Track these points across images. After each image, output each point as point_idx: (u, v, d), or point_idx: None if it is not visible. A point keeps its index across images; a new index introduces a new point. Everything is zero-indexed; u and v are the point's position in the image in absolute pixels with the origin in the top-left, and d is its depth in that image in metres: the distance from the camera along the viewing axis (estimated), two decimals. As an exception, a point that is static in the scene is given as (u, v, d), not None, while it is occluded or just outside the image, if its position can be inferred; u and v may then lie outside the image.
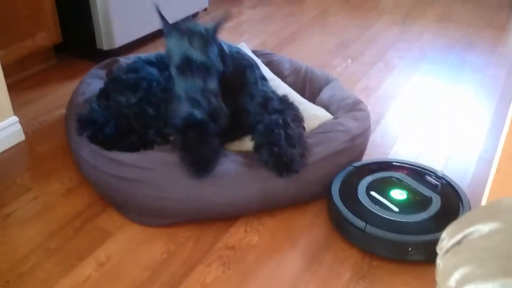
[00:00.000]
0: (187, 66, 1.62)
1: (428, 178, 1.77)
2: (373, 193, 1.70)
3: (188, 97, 1.60)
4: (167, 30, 1.69)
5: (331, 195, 1.71)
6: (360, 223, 1.58)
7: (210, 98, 1.62)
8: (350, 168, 1.83)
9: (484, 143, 2.16)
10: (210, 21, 1.69)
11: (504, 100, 2.46)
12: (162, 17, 1.71)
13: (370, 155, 2.02)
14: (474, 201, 1.76)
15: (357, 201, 1.67)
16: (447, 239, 0.81)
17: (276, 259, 1.59)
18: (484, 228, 0.76)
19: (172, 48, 1.66)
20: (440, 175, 1.78)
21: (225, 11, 1.79)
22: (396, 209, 1.63)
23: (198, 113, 1.58)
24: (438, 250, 0.83)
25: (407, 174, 1.78)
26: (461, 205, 1.66)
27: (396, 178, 1.76)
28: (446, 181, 1.76)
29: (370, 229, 1.56)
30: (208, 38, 1.65)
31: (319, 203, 1.79)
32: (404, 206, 1.65)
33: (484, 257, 0.70)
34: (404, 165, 1.86)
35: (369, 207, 1.64)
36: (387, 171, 1.81)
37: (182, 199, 1.65)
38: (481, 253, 0.71)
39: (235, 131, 1.85)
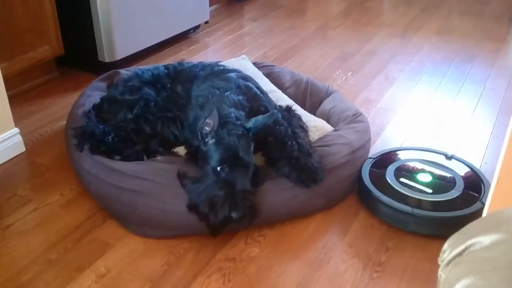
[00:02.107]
0: (232, 162, 1.60)
1: (443, 160, 1.96)
2: (402, 180, 1.83)
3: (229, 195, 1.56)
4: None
5: (369, 190, 1.80)
6: (406, 208, 1.70)
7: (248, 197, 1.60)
8: (369, 160, 1.95)
9: (485, 154, 2.16)
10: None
11: (504, 112, 2.47)
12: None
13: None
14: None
15: (393, 189, 1.79)
16: (448, 250, 0.81)
17: (276, 271, 1.58)
18: (485, 239, 0.76)
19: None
20: (450, 156, 1.96)
21: None
22: (429, 190, 1.77)
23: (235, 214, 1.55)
24: (439, 262, 0.83)
25: (424, 159, 1.95)
26: (481, 182, 1.83)
27: (416, 163, 1.93)
28: (459, 161, 1.95)
29: (417, 212, 1.69)
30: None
31: (320, 215, 1.79)
32: (434, 187, 1.79)
33: (486, 268, 0.70)
34: (417, 150, 2.04)
35: (406, 193, 1.77)
36: (405, 159, 1.96)
37: (183, 212, 1.64)
38: (483, 264, 0.71)
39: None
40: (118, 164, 1.74)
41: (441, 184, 1.82)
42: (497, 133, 2.30)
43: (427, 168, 1.90)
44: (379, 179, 1.84)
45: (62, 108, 2.43)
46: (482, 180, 1.84)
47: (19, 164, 2.07)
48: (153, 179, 1.68)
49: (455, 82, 2.82)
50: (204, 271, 1.56)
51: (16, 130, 2.12)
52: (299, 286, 1.52)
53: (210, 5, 3.46)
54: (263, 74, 2.39)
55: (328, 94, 2.26)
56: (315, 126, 2.04)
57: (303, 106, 2.23)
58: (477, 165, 2.08)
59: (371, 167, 1.91)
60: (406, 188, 1.79)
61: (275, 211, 1.71)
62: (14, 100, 2.32)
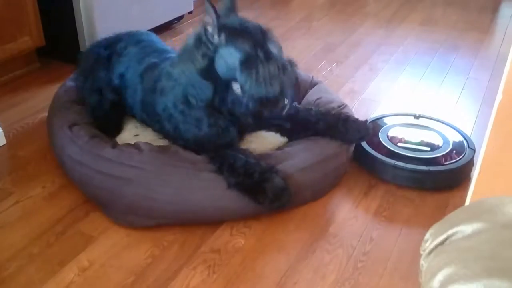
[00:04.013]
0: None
1: (413, 120, 2.17)
2: (400, 145, 2.00)
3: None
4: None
5: (373, 156, 1.94)
6: (422, 168, 1.86)
7: None
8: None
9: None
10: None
11: (487, 102, 2.49)
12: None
13: (355, 158, 2.02)
14: (459, 203, 1.78)
15: (395, 153, 1.96)
16: (430, 239, 0.81)
17: (262, 262, 1.58)
18: (467, 228, 0.77)
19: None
20: (418, 116, 2.17)
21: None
22: (427, 148, 1.97)
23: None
24: (421, 251, 0.83)
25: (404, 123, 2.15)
26: (457, 132, 2.09)
27: (399, 128, 2.11)
28: (428, 118, 2.18)
29: (433, 168, 1.86)
30: None
31: (305, 207, 1.79)
32: (429, 146, 2.00)
33: (468, 257, 0.70)
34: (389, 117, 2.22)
35: (414, 155, 1.93)
36: (387, 126, 2.13)
37: (170, 201, 1.64)
38: (465, 253, 0.71)
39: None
40: (105, 151, 1.72)
41: (431, 143, 2.01)
42: (480, 123, 2.32)
43: (411, 130, 2.09)
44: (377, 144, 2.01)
45: (43, 100, 2.39)
46: (457, 130, 2.10)
47: (0, 157, 2.04)
48: (140, 166, 1.66)
49: (439, 73, 2.83)
50: (189, 263, 1.56)
51: (-3, 122, 2.09)
52: (284, 277, 1.52)
53: (194, -5, 3.43)
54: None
55: (312, 84, 2.26)
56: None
57: (288, 97, 2.22)
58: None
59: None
60: (409, 150, 1.96)
61: (260, 206, 1.70)
62: (-6, 91, 2.28)
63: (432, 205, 1.83)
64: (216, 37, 1.60)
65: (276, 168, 1.68)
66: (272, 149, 1.86)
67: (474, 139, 2.21)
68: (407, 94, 2.60)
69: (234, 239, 1.66)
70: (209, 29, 1.61)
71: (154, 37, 2.15)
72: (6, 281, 1.48)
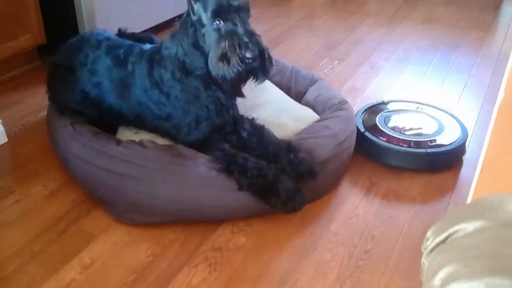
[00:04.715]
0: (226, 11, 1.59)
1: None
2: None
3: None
4: None
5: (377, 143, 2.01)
6: (422, 151, 1.97)
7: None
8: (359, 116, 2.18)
9: (469, 143, 2.17)
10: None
11: (489, 100, 2.48)
12: None
13: (356, 156, 2.02)
14: (460, 201, 1.78)
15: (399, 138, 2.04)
16: (432, 238, 0.81)
17: (263, 260, 1.58)
18: (468, 226, 0.76)
19: None
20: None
21: None
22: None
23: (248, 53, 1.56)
24: (423, 249, 0.83)
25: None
26: (451, 116, 2.19)
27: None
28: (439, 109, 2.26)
29: (431, 150, 1.97)
30: None
31: (306, 206, 1.78)
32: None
33: (469, 256, 0.70)
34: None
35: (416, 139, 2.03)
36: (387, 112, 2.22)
37: (171, 198, 1.64)
38: (466, 252, 0.71)
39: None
40: (108, 148, 1.72)
41: (429, 125, 2.13)
42: (482, 121, 2.31)
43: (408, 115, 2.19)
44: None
45: (44, 98, 2.35)
46: (450, 114, 2.20)
47: (1, 155, 2.04)
48: (143, 164, 1.67)
49: (440, 71, 2.83)
50: (190, 262, 1.56)
51: (-2, 120, 2.09)
52: (285, 275, 1.52)
53: (195, -7, 3.41)
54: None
55: (313, 82, 2.25)
56: (301, 115, 2.04)
57: (289, 94, 2.22)
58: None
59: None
60: (412, 135, 2.05)
61: (262, 205, 1.69)
62: (-4, 90, 2.28)
63: (434, 205, 1.83)
64: (193, 4, 1.65)
65: (297, 147, 1.73)
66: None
67: (476, 137, 2.22)
68: (408, 92, 2.60)
69: (235, 237, 1.66)
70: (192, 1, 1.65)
71: (108, 33, 2.06)
72: (7, 279, 1.48)
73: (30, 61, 2.69)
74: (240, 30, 1.58)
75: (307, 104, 2.15)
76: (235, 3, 1.59)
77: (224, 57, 1.56)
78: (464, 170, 2.01)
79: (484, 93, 2.57)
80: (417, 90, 2.62)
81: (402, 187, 1.91)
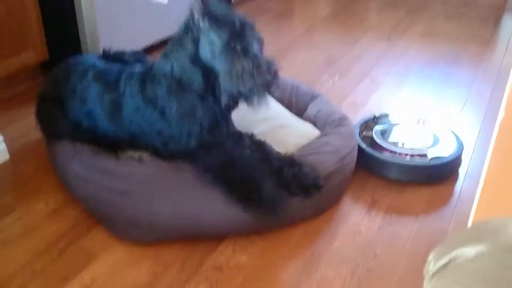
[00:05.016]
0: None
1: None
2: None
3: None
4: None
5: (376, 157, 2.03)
6: (424, 161, 1.99)
7: None
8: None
9: (471, 159, 2.17)
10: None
11: (489, 116, 2.48)
12: None
13: (358, 172, 2.02)
14: (461, 219, 1.77)
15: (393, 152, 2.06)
16: (433, 261, 0.81)
17: (264, 279, 1.57)
18: (470, 251, 0.76)
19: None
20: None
21: None
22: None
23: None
24: (425, 273, 0.82)
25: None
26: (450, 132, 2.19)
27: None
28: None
29: (434, 162, 1.99)
30: None
31: (308, 222, 1.78)
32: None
33: (471, 282, 0.69)
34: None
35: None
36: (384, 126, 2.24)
37: (171, 214, 1.63)
38: (468, 278, 0.70)
39: None
40: (109, 165, 1.73)
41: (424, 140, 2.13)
42: (483, 136, 2.31)
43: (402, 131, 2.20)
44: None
45: (47, 115, 2.39)
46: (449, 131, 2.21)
47: (3, 172, 2.04)
48: (143, 181, 1.67)
49: (441, 85, 2.84)
50: (191, 281, 1.55)
51: (0, 137, 2.09)
52: (287, 294, 1.51)
53: (197, 8, 3.43)
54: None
55: (313, 97, 2.26)
56: (303, 130, 2.04)
57: (290, 110, 2.23)
58: (463, 170, 2.09)
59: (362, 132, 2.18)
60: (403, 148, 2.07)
61: (263, 224, 1.69)
62: (-2, 106, 2.29)
63: (436, 220, 1.82)
64: (201, 22, 1.64)
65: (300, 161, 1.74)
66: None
67: (477, 153, 2.21)
68: (409, 107, 2.60)
69: (236, 256, 1.65)
70: (195, 13, 1.64)
71: (94, 57, 2.04)
72: (8, 299, 1.48)
73: (33, 78, 2.70)
74: (255, 48, 1.60)
75: (308, 120, 2.16)
76: (248, 21, 1.61)
77: (243, 75, 1.57)
78: (465, 184, 2.01)
79: (485, 108, 2.58)
80: (418, 105, 2.63)
81: (404, 202, 1.91)
